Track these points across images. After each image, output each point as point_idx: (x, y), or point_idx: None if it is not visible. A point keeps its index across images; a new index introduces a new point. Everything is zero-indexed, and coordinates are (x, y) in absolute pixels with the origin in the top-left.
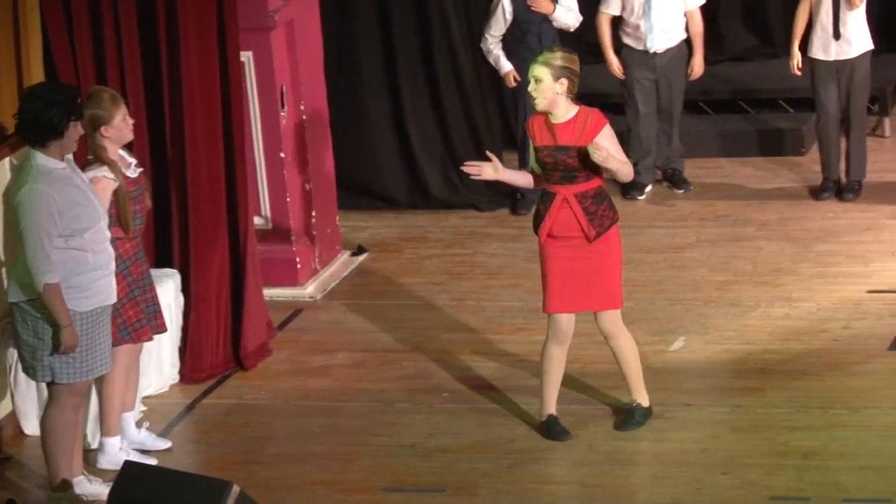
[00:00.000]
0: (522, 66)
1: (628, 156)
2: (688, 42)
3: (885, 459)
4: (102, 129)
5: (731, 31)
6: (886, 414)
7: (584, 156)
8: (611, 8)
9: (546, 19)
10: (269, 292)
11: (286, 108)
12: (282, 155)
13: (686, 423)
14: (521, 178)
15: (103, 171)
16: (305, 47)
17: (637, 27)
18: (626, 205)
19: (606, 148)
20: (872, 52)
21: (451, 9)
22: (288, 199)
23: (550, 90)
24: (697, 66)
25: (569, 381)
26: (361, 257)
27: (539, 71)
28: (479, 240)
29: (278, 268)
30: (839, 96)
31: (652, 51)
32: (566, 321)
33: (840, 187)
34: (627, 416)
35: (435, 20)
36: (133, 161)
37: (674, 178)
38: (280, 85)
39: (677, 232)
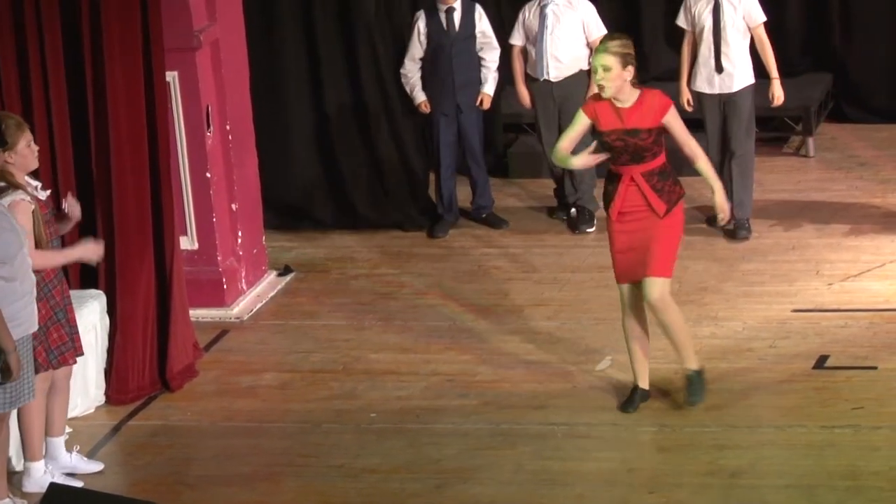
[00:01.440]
0: (436, 91)
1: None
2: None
3: (811, 478)
4: (6, 155)
5: (654, 51)
6: (812, 432)
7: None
8: (515, 39)
9: (460, 44)
10: (196, 313)
11: (212, 128)
12: (208, 175)
13: (613, 442)
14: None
15: (19, 195)
16: (231, 67)
17: (533, 56)
18: (552, 223)
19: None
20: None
21: (377, 27)
22: (214, 220)
23: (619, 77)
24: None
25: (496, 401)
26: (288, 278)
27: (607, 60)
28: (406, 259)
29: (205, 288)
30: (723, 129)
31: (543, 79)
32: (627, 291)
33: (730, 228)
34: (690, 387)
35: (361, 40)
36: (38, 184)
37: (578, 219)
38: (206, 105)
39: (603, 251)
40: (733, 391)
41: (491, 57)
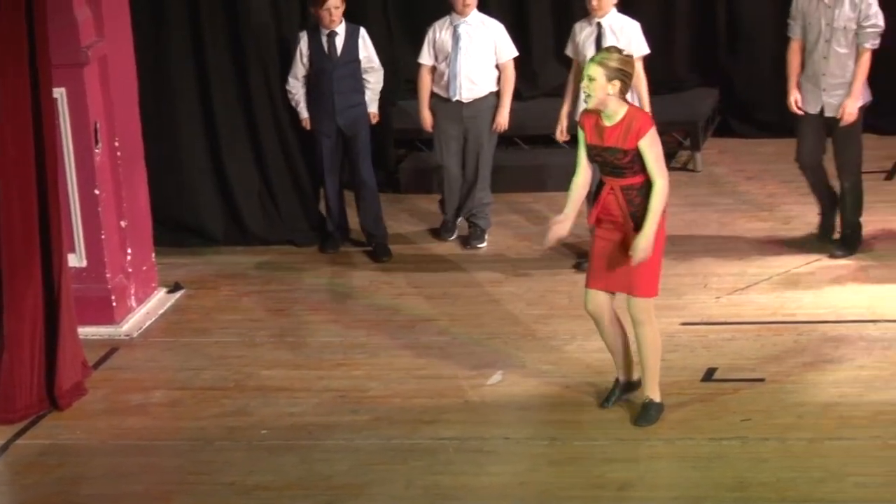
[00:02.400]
0: (318, 112)
1: (442, 205)
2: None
3: (699, 489)
4: None
5: (544, 68)
6: (700, 445)
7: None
8: (424, 58)
9: (341, 69)
10: (85, 331)
11: (100, 144)
12: (96, 192)
13: (505, 456)
14: (581, 192)
15: None
16: (119, 83)
17: (444, 75)
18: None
19: (644, 250)
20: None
21: (266, 45)
22: (103, 237)
23: (602, 90)
24: (502, 120)
25: (388, 416)
26: (178, 294)
27: (594, 70)
28: (297, 275)
29: (94, 306)
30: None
31: (455, 99)
32: (593, 297)
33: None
34: (643, 412)
35: (251, 57)
36: None
37: (469, 235)
38: (94, 121)
39: (495, 266)
40: (622, 405)
41: (375, 79)
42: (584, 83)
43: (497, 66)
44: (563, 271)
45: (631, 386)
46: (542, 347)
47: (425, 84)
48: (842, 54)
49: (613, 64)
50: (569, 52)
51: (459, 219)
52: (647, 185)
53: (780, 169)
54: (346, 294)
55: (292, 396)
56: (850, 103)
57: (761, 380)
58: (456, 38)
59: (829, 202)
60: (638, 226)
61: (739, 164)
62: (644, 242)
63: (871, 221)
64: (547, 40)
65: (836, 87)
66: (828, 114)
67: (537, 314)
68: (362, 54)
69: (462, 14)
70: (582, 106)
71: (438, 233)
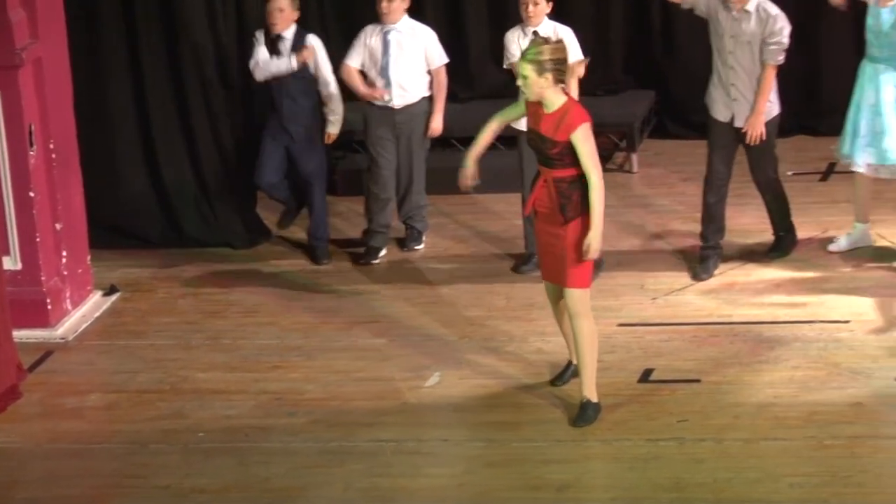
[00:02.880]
0: (272, 118)
1: (367, 211)
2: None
3: (636, 491)
4: None
5: (482, 70)
6: (637, 446)
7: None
8: (353, 60)
9: (296, 78)
10: (19, 334)
11: (35, 146)
12: (31, 194)
13: (442, 458)
14: (488, 136)
15: None
16: (54, 85)
17: (375, 82)
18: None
19: (595, 250)
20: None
21: (202, 45)
22: (38, 239)
23: (537, 85)
24: (437, 125)
25: (325, 419)
26: (114, 297)
27: (525, 69)
28: (234, 278)
29: (28, 309)
30: None
31: (388, 106)
32: (546, 287)
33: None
34: (580, 412)
35: (187, 59)
36: None
37: (407, 237)
38: (28, 123)
39: (432, 268)
40: (559, 405)
41: (334, 107)
42: (519, 81)
43: (429, 72)
44: (500, 273)
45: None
46: (480, 349)
47: (356, 78)
48: (749, 68)
49: (545, 57)
50: (507, 65)
51: (388, 228)
52: (579, 180)
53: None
54: (283, 296)
55: (228, 399)
56: (754, 121)
57: (698, 381)
58: (385, 44)
59: (716, 227)
60: (568, 220)
61: (676, 165)
62: (594, 241)
63: (806, 223)
64: (483, 42)
65: (745, 97)
66: (737, 124)
67: (475, 316)
68: (311, 69)
69: (386, 21)
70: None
71: (361, 257)
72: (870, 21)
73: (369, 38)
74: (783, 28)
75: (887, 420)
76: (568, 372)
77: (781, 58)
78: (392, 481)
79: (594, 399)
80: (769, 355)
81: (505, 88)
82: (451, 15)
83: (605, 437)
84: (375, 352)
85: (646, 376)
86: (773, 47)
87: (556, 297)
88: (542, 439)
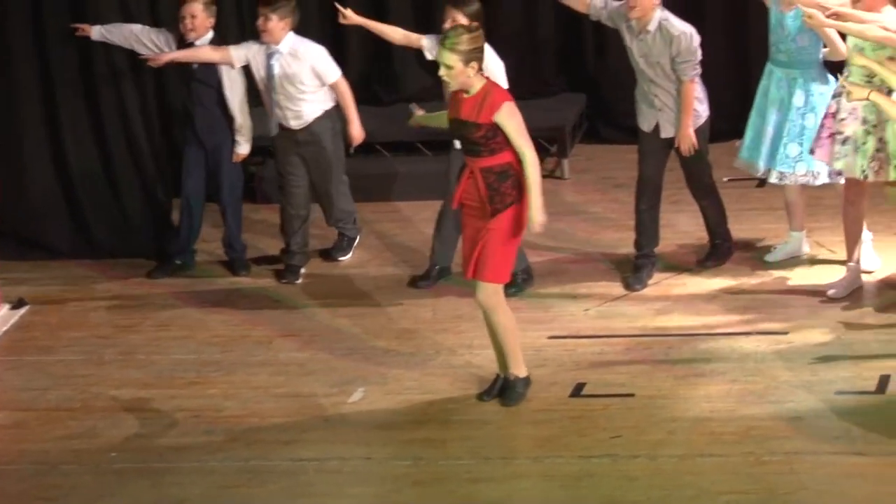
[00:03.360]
0: (188, 128)
1: (283, 231)
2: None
3: None
4: None
5: (406, 72)
6: (569, 463)
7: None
8: (238, 60)
9: (198, 86)
10: None
11: None
12: None
13: (366, 476)
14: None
15: None
16: None
17: (268, 105)
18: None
19: (539, 223)
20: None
21: (117, 52)
22: None
23: (462, 73)
24: (356, 133)
25: (244, 436)
26: (22, 311)
27: (448, 58)
28: (148, 290)
29: None
30: None
31: (290, 128)
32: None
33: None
34: (510, 390)
35: (100, 65)
36: None
37: (335, 246)
38: None
39: (356, 279)
40: (488, 422)
41: (243, 131)
42: (442, 70)
43: (326, 86)
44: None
45: (508, 384)
46: (406, 363)
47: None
48: (667, 82)
49: (465, 46)
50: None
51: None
52: (508, 169)
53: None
54: (200, 309)
55: (142, 417)
56: (682, 136)
57: (631, 395)
58: (269, 69)
59: (650, 235)
60: (496, 211)
61: (608, 171)
62: (537, 215)
63: (742, 230)
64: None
65: (669, 106)
66: (663, 134)
67: (400, 328)
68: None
69: (265, 40)
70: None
71: (283, 275)
72: (773, 25)
73: (255, 53)
74: (689, 45)
75: (827, 435)
76: (496, 386)
77: (696, 72)
78: (314, 501)
79: (522, 374)
80: (705, 368)
81: (430, 91)
82: (374, 15)
83: (536, 454)
84: (297, 366)
85: (577, 391)
86: (683, 65)
87: None
88: (471, 457)
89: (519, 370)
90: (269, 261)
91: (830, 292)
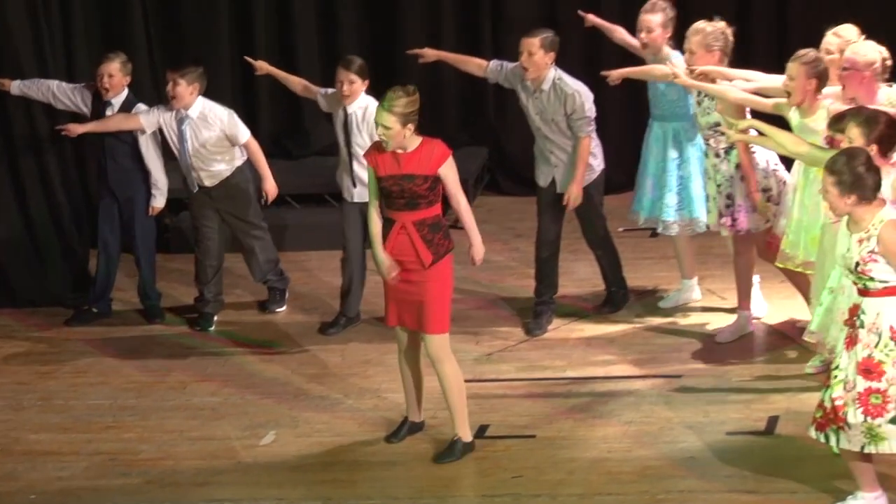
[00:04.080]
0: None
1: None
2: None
3: None
4: None
5: (316, 127)
6: (473, 502)
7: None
8: (148, 125)
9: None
10: None
11: None
12: None
13: None
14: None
15: None
16: None
17: (181, 168)
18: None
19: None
20: None
21: (37, 117)
22: None
23: (400, 135)
24: (269, 188)
25: (159, 479)
26: None
27: (386, 119)
28: (65, 337)
29: None
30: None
31: (197, 189)
32: (399, 334)
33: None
34: (447, 450)
35: (16, 113)
36: None
37: (269, 299)
38: None
39: (266, 326)
40: (396, 462)
41: (159, 185)
42: (380, 130)
43: (242, 146)
44: (335, 332)
45: (415, 427)
46: (315, 406)
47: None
48: (561, 139)
49: (402, 109)
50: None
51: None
52: (438, 221)
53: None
54: (116, 356)
55: (61, 460)
56: (574, 189)
57: (532, 436)
58: (181, 134)
59: (549, 282)
60: (432, 263)
61: (509, 221)
62: (479, 251)
63: (637, 278)
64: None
65: (564, 162)
66: (559, 190)
67: (310, 374)
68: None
69: (175, 105)
70: None
71: (196, 322)
72: (649, 82)
73: (166, 119)
74: (583, 103)
75: (719, 474)
76: (404, 429)
77: (591, 129)
78: None
79: (467, 439)
80: (603, 410)
81: (337, 146)
82: (286, 69)
83: (440, 493)
84: (210, 410)
85: (481, 432)
86: (578, 122)
87: (409, 342)
88: (379, 496)
89: (464, 434)
90: (183, 309)
91: (718, 338)
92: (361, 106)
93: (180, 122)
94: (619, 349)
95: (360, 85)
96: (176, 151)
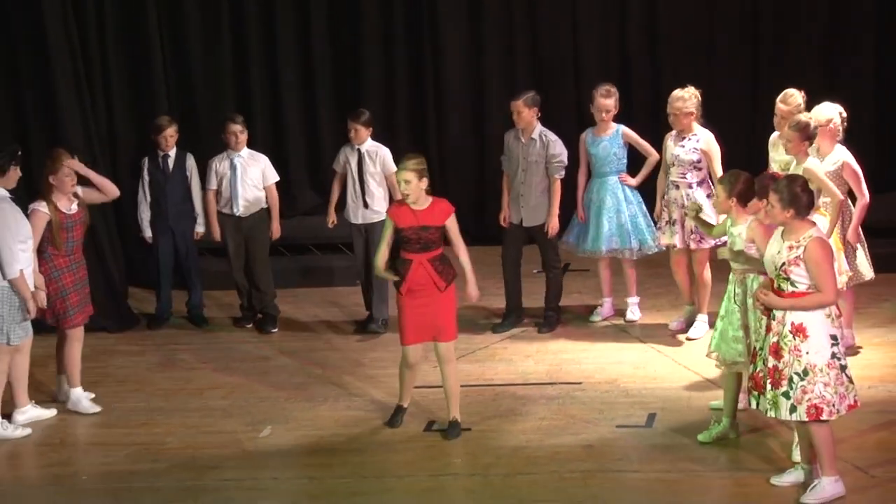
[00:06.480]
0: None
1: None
2: (269, 210)
3: None
4: (50, 177)
5: (301, 194)
6: (423, 480)
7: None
8: (211, 184)
9: (172, 183)
10: None
11: None
12: None
13: (274, 492)
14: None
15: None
16: None
17: (226, 197)
18: (207, 330)
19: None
20: None
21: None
22: None
23: (418, 187)
24: (276, 229)
25: (182, 462)
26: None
27: (408, 175)
28: (108, 355)
29: None
30: (367, 249)
31: (237, 215)
32: (413, 351)
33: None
34: (451, 428)
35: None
36: (75, 200)
37: (262, 321)
38: None
39: (264, 346)
40: (364, 450)
41: (199, 210)
42: (402, 186)
43: (264, 188)
44: (317, 349)
45: (404, 410)
46: (302, 408)
47: (212, 205)
48: (535, 182)
49: (418, 167)
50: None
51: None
52: (442, 256)
53: (491, 271)
54: (148, 370)
55: (105, 450)
56: (552, 221)
57: (469, 429)
58: (233, 167)
59: (514, 297)
60: (447, 285)
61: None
62: (475, 289)
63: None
64: (301, 171)
65: (533, 205)
66: (526, 224)
67: (298, 382)
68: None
69: (235, 149)
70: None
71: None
72: (591, 150)
73: (218, 164)
74: (561, 151)
75: (611, 458)
76: (399, 415)
77: (563, 172)
78: None
79: (459, 419)
80: (522, 409)
81: (317, 208)
82: (276, 149)
83: (399, 473)
84: (221, 410)
85: (429, 426)
86: (555, 164)
87: (422, 355)
88: (351, 475)
89: (457, 414)
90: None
91: (671, 326)
92: (371, 146)
93: (231, 159)
94: (534, 362)
95: (364, 132)
96: (226, 186)
